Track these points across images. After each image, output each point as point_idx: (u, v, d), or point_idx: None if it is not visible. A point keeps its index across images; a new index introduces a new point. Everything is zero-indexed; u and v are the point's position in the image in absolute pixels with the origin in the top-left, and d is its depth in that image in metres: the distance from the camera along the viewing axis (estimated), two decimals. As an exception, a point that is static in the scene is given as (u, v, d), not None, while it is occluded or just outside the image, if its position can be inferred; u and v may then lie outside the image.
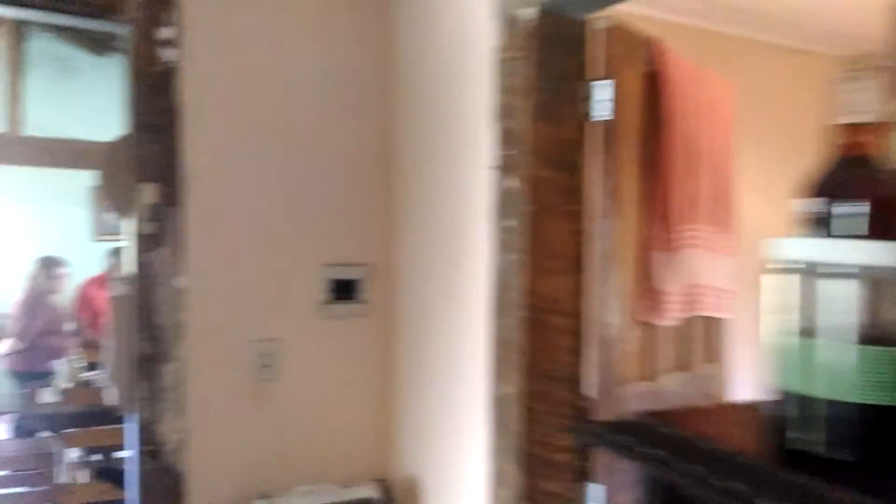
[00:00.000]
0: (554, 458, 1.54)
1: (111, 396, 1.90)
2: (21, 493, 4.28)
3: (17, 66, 5.27)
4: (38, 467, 4.12)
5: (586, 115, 1.55)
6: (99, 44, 6.69)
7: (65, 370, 4.34)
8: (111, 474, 3.80)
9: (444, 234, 1.80)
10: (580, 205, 1.55)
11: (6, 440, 4.60)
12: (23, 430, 4.70)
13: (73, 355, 4.29)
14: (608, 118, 1.54)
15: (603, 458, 1.54)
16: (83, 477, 3.82)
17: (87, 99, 6.63)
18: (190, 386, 1.82)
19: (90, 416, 3.90)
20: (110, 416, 3.98)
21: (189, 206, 1.81)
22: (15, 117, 5.06)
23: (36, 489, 4.23)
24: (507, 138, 1.54)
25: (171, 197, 1.78)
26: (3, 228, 6.51)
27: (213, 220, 1.85)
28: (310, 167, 1.96)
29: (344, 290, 2.03)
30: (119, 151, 1.87)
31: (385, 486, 1.91)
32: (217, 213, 1.85)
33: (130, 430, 1.89)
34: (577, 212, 1.54)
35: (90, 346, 4.81)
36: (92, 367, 4.37)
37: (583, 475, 1.56)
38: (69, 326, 4.96)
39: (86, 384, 4.06)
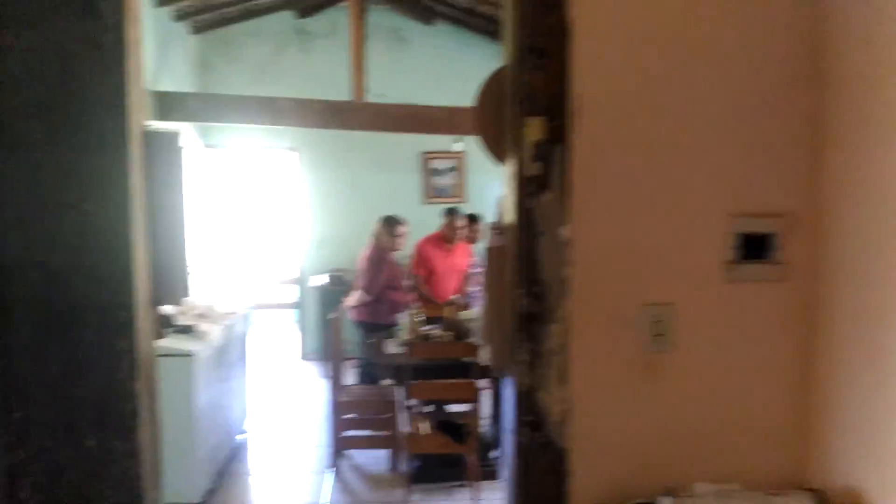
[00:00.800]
0: None
1: (484, 356, 1.75)
2: (368, 436, 4.61)
3: (360, 39, 5.62)
4: (382, 413, 4.39)
5: None
6: (427, 12, 6.97)
7: (405, 323, 4.56)
8: (449, 428, 3.88)
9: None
10: None
11: (354, 385, 5.01)
12: (367, 378, 5.08)
13: (412, 310, 4.48)
14: None
15: None
16: (424, 427, 3.95)
17: (416, 66, 6.99)
18: (573, 351, 1.57)
19: (427, 369, 4.00)
20: (447, 371, 4.07)
21: (576, 143, 1.54)
22: (359, 86, 5.41)
23: (380, 433, 4.52)
24: None
25: (558, 132, 1.53)
26: (353, 190, 7.16)
27: (601, 160, 1.56)
28: (716, 94, 1.57)
29: (753, 247, 1.62)
30: (496, 85, 1.68)
31: (822, 498, 1.49)
32: (606, 152, 1.56)
33: (507, 396, 1.72)
34: None
35: (426, 301, 5.03)
36: (429, 321, 4.53)
37: None
38: (407, 282, 5.23)
39: (425, 338, 4.19)
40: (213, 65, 6.95)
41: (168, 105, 5.16)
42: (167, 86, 5.68)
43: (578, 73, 1.53)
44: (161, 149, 1.67)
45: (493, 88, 1.70)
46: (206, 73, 6.94)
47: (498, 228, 1.70)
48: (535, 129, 1.53)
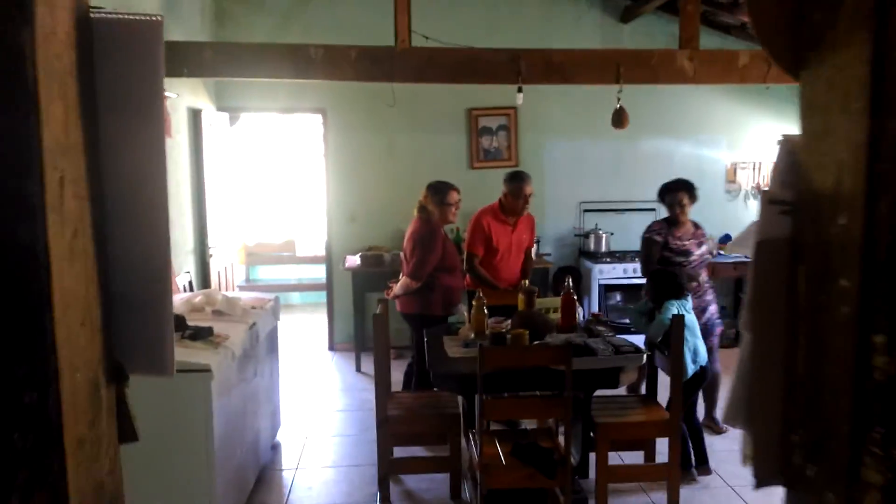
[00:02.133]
0: None
1: (744, 449, 0.92)
2: (422, 457, 3.76)
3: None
4: (440, 428, 3.58)
5: None
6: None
7: (467, 315, 3.73)
8: (532, 453, 3.08)
9: None
10: None
11: (404, 393, 4.15)
12: (418, 380, 4.22)
13: (475, 297, 3.62)
14: None
15: None
16: (497, 452, 3.13)
17: (466, 5, 6.07)
18: None
19: (500, 376, 3.17)
20: (525, 378, 3.23)
21: None
22: (404, 28, 4.50)
23: (436, 454, 3.70)
24: None
25: None
26: (388, 155, 6.31)
27: None
28: None
29: None
30: None
31: None
32: None
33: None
34: None
35: (485, 286, 4.16)
36: (492, 312, 3.68)
37: None
38: (461, 264, 4.38)
39: (498, 337, 3.35)
40: (231, 14, 6.09)
41: (178, 57, 4.31)
42: (177, 37, 4.84)
43: None
44: (118, 52, 0.84)
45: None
46: (222, 25, 6.08)
47: (780, 203, 0.86)
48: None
